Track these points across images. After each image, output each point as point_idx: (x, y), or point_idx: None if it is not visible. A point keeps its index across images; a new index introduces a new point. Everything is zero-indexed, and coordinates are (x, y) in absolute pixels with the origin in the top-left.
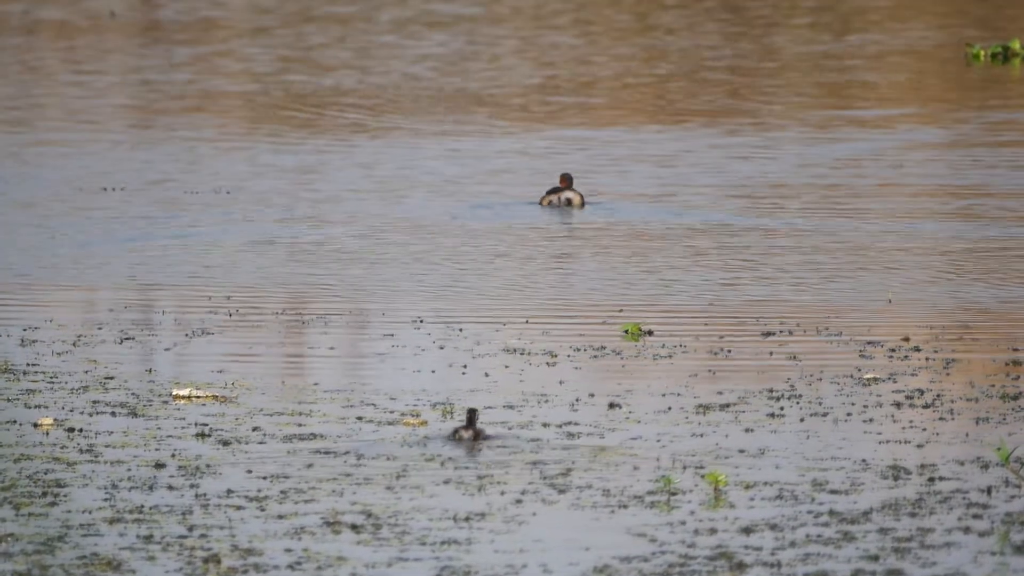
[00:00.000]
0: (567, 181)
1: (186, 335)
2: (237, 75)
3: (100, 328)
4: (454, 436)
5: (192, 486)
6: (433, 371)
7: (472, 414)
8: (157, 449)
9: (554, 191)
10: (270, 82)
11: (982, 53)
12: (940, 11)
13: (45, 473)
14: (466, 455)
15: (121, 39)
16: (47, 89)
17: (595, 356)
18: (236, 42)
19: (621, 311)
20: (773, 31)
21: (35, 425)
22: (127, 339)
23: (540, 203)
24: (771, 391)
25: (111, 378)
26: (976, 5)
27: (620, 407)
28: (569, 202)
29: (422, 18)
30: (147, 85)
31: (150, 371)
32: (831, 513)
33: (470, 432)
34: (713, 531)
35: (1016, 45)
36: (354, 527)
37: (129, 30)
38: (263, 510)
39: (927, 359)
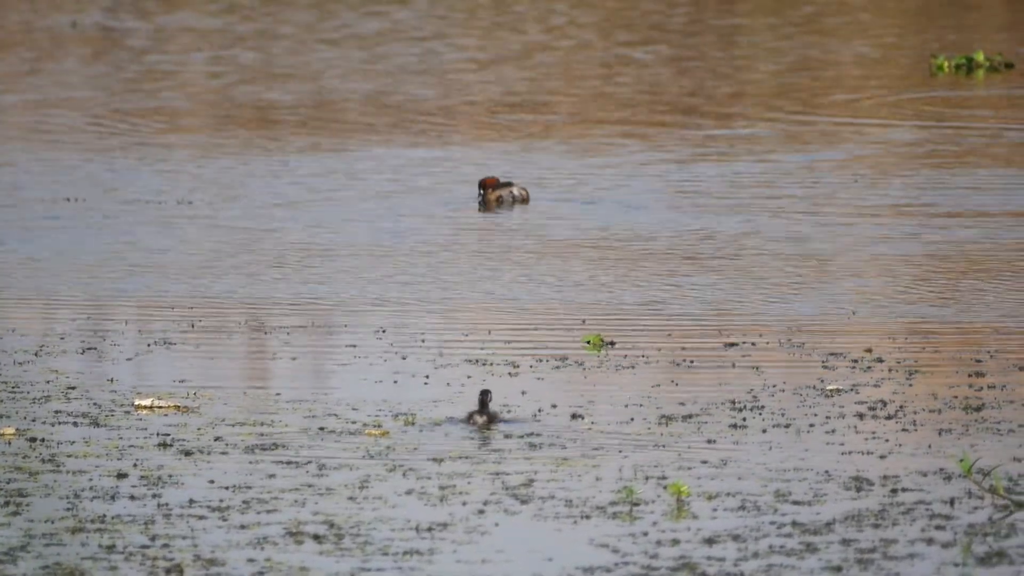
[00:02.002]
0: (495, 181)
1: (148, 345)
2: (199, 84)
3: (62, 338)
4: (468, 420)
5: (154, 496)
6: (395, 381)
7: (485, 396)
8: (119, 459)
9: (500, 186)
10: (231, 91)
11: (946, 64)
12: (904, 22)
13: (7, 483)
14: (429, 463)
15: (80, 48)
16: (6, 94)
17: (557, 367)
18: (194, 53)
19: (584, 322)
20: (735, 36)
21: None
22: (89, 349)
23: (486, 200)
24: (733, 402)
25: (73, 388)
26: (940, 16)
27: (583, 418)
28: (518, 198)
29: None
30: (103, 94)
31: (112, 381)
32: (794, 524)
33: (484, 417)
34: (676, 542)
35: (980, 56)
36: (316, 537)
37: (90, 40)
38: (225, 520)
39: (890, 370)
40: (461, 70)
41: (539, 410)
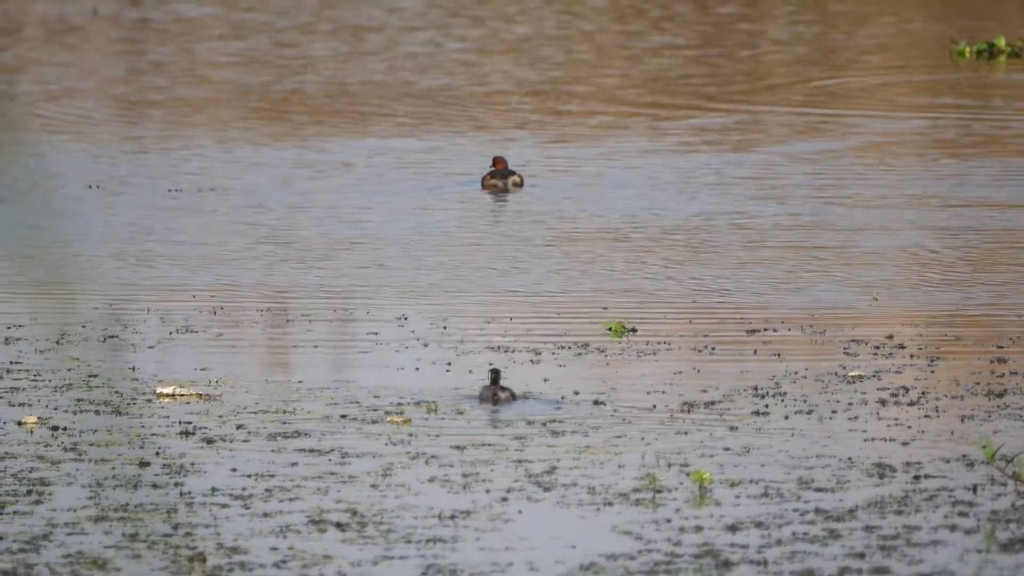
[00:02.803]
0: (503, 163)
1: (170, 333)
2: (218, 74)
3: (84, 326)
4: (491, 399)
5: (177, 484)
6: (417, 369)
7: (496, 373)
8: (141, 447)
9: (495, 175)
10: (251, 81)
11: (967, 50)
12: (926, 6)
13: (29, 471)
14: (452, 450)
15: (103, 38)
16: (29, 83)
17: (579, 354)
18: (217, 42)
19: (606, 308)
20: (754, 23)
21: (19, 423)
22: (110, 337)
23: (483, 185)
24: (756, 389)
25: (95, 376)
26: (962, 1)
27: (605, 405)
28: (514, 184)
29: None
30: (126, 84)
31: (134, 369)
32: (817, 511)
33: (506, 393)
34: (699, 529)
35: (1001, 42)
36: (339, 525)
37: (114, 28)
38: (248, 508)
39: (912, 357)
40: (470, 60)
41: (561, 397)
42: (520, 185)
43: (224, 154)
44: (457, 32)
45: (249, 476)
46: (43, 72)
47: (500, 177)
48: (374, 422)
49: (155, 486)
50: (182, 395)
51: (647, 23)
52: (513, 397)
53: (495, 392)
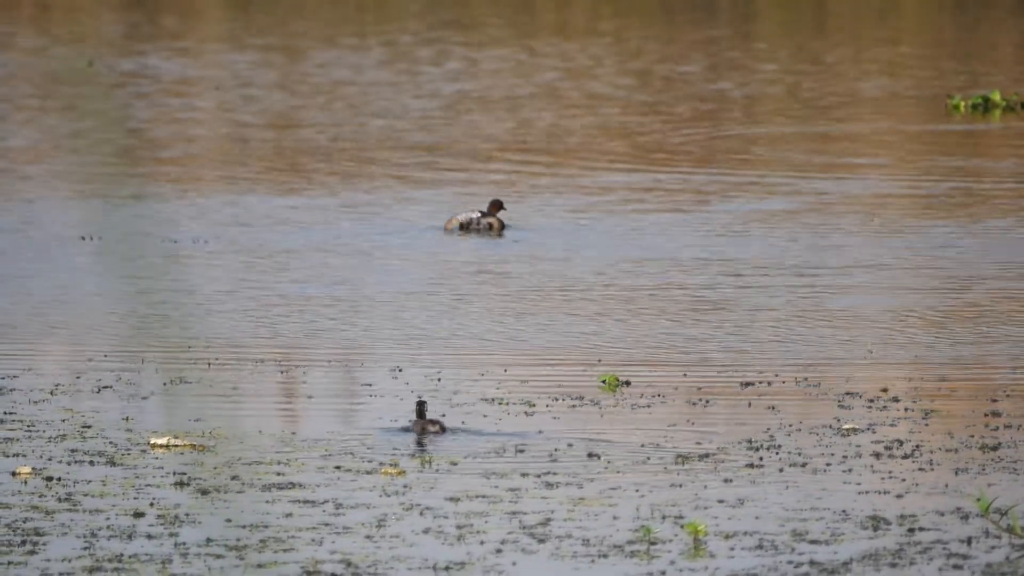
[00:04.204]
0: (496, 207)
1: (164, 384)
2: (215, 119)
3: (78, 377)
4: (421, 431)
5: (171, 535)
6: (412, 420)
7: (422, 405)
8: (136, 498)
9: (470, 222)
10: (245, 130)
11: (962, 104)
12: (921, 60)
13: (24, 522)
14: (446, 502)
15: (95, 87)
16: (21, 132)
17: (573, 406)
18: (211, 93)
19: (599, 361)
20: (748, 74)
21: (13, 474)
22: (105, 387)
23: (445, 227)
24: (750, 441)
25: (89, 427)
26: (957, 55)
27: (599, 457)
28: (489, 227)
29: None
30: (118, 133)
31: (128, 420)
32: (811, 563)
33: (436, 426)
34: None
35: (996, 96)
36: None
37: (105, 79)
38: (243, 559)
39: (906, 410)
40: (464, 110)
41: (555, 449)
42: (497, 228)
43: (219, 205)
44: (431, 87)
45: (244, 527)
46: (36, 123)
47: (476, 220)
48: (369, 473)
49: (150, 536)
50: (176, 445)
51: (637, 66)
52: (443, 430)
53: (423, 426)
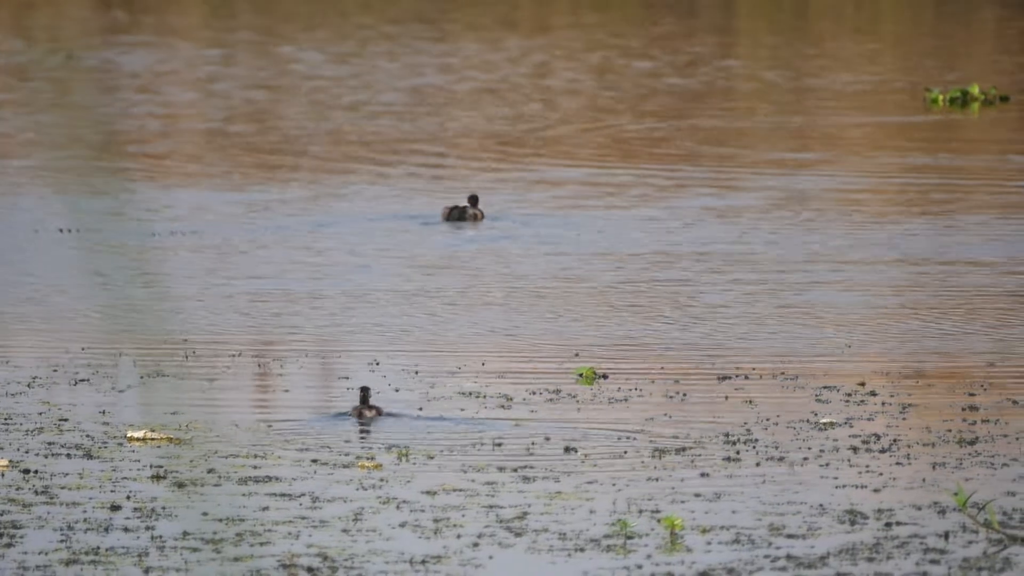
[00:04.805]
0: (472, 202)
1: (141, 377)
2: (195, 112)
3: (55, 370)
4: (358, 416)
5: (148, 528)
6: (388, 414)
7: (366, 392)
8: (112, 491)
9: (455, 210)
10: (224, 124)
11: (940, 97)
12: (901, 53)
13: (1, 515)
14: (423, 495)
15: (74, 81)
16: (3, 124)
17: (550, 399)
18: (188, 86)
19: (577, 355)
20: (729, 68)
21: None
22: (82, 381)
23: (444, 217)
24: (727, 435)
25: (66, 419)
26: (935, 48)
27: (576, 451)
28: (474, 217)
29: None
30: (98, 126)
31: (105, 413)
32: (788, 557)
33: (373, 411)
34: (670, 575)
35: (975, 90)
36: (310, 570)
37: (84, 73)
38: (219, 552)
39: (883, 404)
40: (449, 102)
41: (532, 443)
42: (478, 219)
43: (196, 197)
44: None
45: (220, 520)
46: (14, 117)
47: (459, 210)
48: (345, 467)
49: (126, 529)
50: (153, 439)
51: (619, 58)
52: (379, 414)
53: (361, 411)
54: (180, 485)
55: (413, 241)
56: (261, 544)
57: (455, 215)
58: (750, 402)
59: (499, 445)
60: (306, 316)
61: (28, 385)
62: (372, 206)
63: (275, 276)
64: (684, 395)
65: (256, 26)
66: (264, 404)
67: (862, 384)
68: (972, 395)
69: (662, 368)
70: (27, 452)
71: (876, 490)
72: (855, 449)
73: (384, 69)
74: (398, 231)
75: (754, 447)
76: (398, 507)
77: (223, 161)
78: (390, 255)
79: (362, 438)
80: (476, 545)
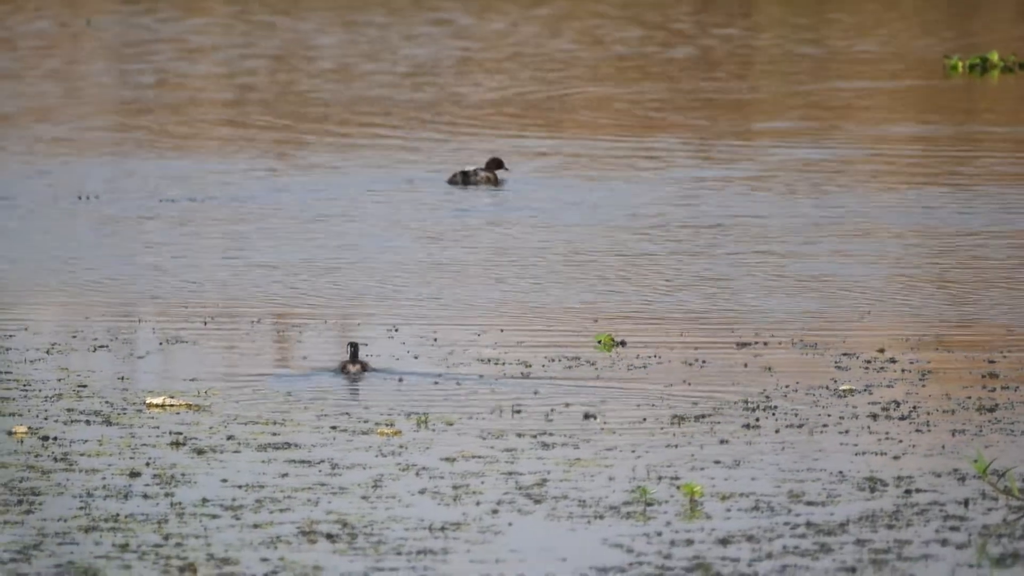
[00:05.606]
0: (496, 165)
1: (160, 344)
2: (213, 79)
3: (74, 336)
4: (342, 370)
5: (167, 495)
6: (404, 380)
7: (355, 348)
8: (132, 458)
9: (467, 172)
10: (245, 93)
11: (960, 64)
12: (920, 21)
13: (20, 481)
14: (442, 462)
15: (95, 47)
16: (24, 92)
17: (569, 366)
18: (214, 50)
19: (596, 321)
20: (748, 37)
21: (9, 433)
22: (101, 347)
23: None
24: (746, 402)
25: (85, 386)
26: (955, 15)
27: (595, 418)
28: (486, 180)
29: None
30: (119, 93)
31: (124, 379)
32: (808, 524)
33: (357, 366)
34: (690, 542)
35: (994, 57)
36: (330, 536)
37: (104, 39)
38: (238, 519)
39: (903, 370)
40: (463, 73)
41: (551, 410)
42: (493, 181)
43: (215, 164)
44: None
45: (239, 487)
46: (35, 83)
47: (464, 175)
48: (364, 433)
49: (146, 496)
50: (172, 405)
51: (640, 33)
52: (364, 369)
53: (345, 365)
54: (199, 452)
55: (432, 209)
56: (280, 511)
57: (459, 179)
58: (769, 369)
59: (518, 412)
60: (324, 283)
61: (47, 352)
62: (392, 172)
63: (294, 244)
64: (703, 362)
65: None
66: (283, 371)
67: (881, 351)
68: (992, 362)
69: (681, 335)
70: (46, 419)
71: (896, 457)
72: (874, 416)
73: (399, 39)
74: (418, 199)
75: (773, 414)
76: (417, 474)
77: (243, 129)
78: (410, 222)
79: (380, 405)
80: (495, 512)
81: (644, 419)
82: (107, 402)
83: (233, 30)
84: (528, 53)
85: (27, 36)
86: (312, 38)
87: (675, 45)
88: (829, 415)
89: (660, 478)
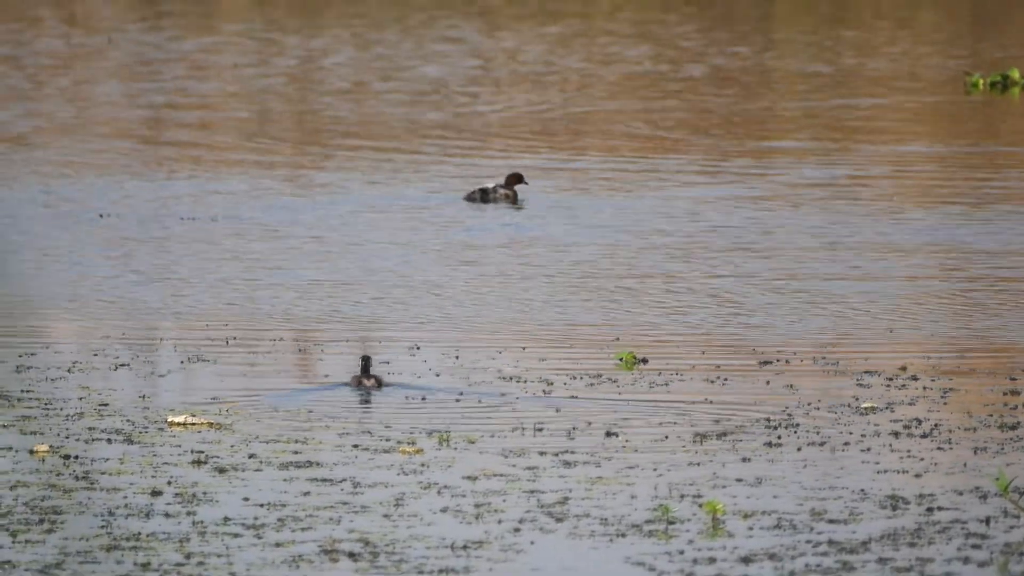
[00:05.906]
0: (515, 180)
1: (181, 362)
2: (235, 99)
3: (95, 355)
4: (357, 385)
5: (189, 513)
6: (426, 399)
7: (366, 361)
8: (153, 476)
9: (486, 190)
10: (263, 110)
11: (981, 82)
12: (938, 38)
13: (41, 500)
14: (464, 480)
15: (116, 64)
16: (42, 109)
17: (591, 384)
18: (227, 72)
19: (617, 339)
20: (768, 54)
21: (31, 452)
22: (122, 365)
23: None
24: (768, 420)
25: (106, 405)
26: (976, 33)
27: (617, 435)
28: (505, 197)
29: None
30: (138, 111)
31: (145, 398)
32: (830, 543)
33: (372, 380)
34: (712, 560)
35: (1015, 74)
36: (352, 555)
37: (125, 57)
38: (260, 538)
39: (925, 388)
40: (477, 91)
41: (573, 428)
42: (512, 198)
43: (234, 184)
44: (446, 68)
45: (261, 505)
46: (53, 100)
47: (482, 192)
48: (386, 451)
49: (167, 515)
50: (193, 424)
51: (652, 51)
52: (379, 385)
53: (360, 380)
54: (221, 470)
55: (453, 227)
56: (303, 529)
57: (477, 196)
58: (791, 387)
59: (540, 430)
60: (345, 301)
61: (68, 370)
62: (407, 190)
63: (312, 262)
64: (725, 380)
65: (294, 10)
66: (305, 389)
67: (903, 369)
68: (1013, 379)
69: (703, 353)
70: (67, 437)
71: (917, 475)
72: (896, 434)
73: (415, 54)
74: (437, 217)
75: (795, 432)
76: (439, 492)
77: (262, 147)
78: (430, 240)
79: (402, 423)
80: (517, 530)
81: (666, 437)
82: (129, 421)
83: (247, 48)
84: (540, 71)
85: (39, 54)
86: (324, 56)
87: (688, 63)
88: (851, 433)
89: (682, 496)
